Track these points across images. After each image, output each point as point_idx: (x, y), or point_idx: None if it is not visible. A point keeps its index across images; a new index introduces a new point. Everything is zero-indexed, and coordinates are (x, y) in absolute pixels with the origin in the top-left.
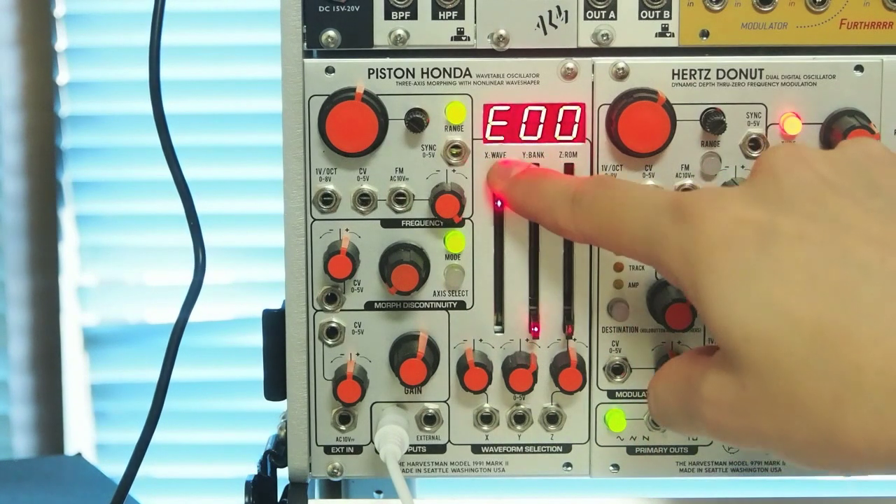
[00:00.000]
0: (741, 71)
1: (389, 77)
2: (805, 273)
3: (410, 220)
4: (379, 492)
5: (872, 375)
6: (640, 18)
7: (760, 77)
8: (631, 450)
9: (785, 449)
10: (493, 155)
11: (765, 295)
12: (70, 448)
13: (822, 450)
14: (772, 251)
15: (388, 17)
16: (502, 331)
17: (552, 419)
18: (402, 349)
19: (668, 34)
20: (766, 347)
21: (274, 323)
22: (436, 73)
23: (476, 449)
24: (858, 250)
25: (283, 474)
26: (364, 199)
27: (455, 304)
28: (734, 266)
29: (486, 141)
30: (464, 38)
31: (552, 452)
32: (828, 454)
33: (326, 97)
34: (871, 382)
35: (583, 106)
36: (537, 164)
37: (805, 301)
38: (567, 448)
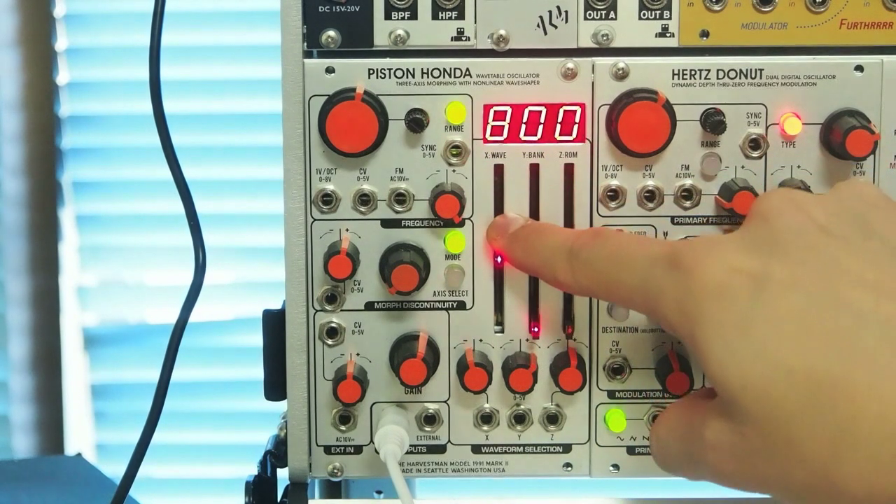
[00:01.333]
0: (741, 71)
1: (389, 77)
2: (798, 321)
3: (410, 220)
4: (379, 492)
5: (868, 423)
6: (640, 18)
7: (760, 77)
8: (631, 450)
9: (786, 494)
10: (493, 155)
11: (760, 345)
12: (70, 448)
13: (822, 496)
14: (765, 299)
15: (388, 17)
16: (502, 331)
17: (552, 419)
18: (402, 349)
19: (668, 34)
20: (762, 398)
21: (274, 323)
22: (436, 73)
23: (476, 449)
24: (852, 295)
25: (283, 474)
26: (364, 200)
27: (455, 305)
28: (729, 316)
29: (486, 141)
30: (464, 39)
31: (552, 453)
32: (828, 500)
33: (326, 97)
34: (867, 430)
35: (583, 106)
36: (538, 161)
37: (799, 350)
38: (567, 448)
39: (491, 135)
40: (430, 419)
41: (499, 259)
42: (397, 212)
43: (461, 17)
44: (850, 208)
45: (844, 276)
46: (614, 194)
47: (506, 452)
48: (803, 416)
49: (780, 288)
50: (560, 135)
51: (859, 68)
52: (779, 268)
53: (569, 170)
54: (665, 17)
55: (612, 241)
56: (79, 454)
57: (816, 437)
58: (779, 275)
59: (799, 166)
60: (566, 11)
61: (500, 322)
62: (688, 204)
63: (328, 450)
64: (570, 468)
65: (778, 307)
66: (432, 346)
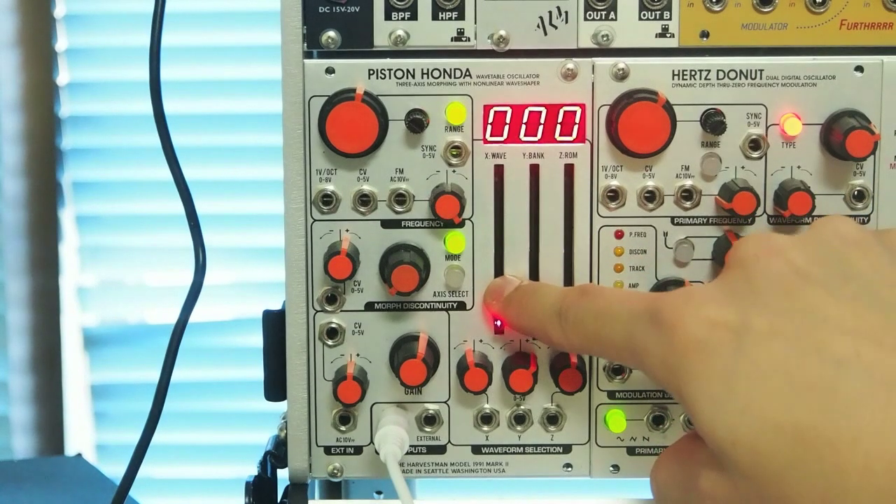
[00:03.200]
0: (741, 71)
1: (389, 78)
2: (781, 374)
3: (410, 220)
4: (379, 492)
5: (856, 477)
6: (640, 19)
7: (760, 78)
8: (631, 450)
9: None
10: (493, 155)
11: (745, 400)
12: (70, 448)
13: None
14: (746, 352)
15: (388, 17)
16: (502, 331)
17: (552, 420)
18: (402, 350)
19: (668, 35)
20: (751, 452)
21: (274, 323)
22: (436, 73)
23: (476, 449)
24: (833, 344)
25: (283, 475)
26: (364, 200)
27: (455, 305)
28: (713, 371)
29: (486, 142)
30: (464, 39)
31: (552, 453)
32: None
33: (326, 98)
34: (856, 484)
35: (583, 106)
36: (538, 161)
37: (783, 405)
38: (567, 449)
39: (491, 135)
40: (430, 420)
41: (498, 323)
42: (397, 212)
43: (461, 17)
44: (828, 249)
45: (824, 323)
46: (614, 195)
47: (506, 453)
48: (793, 471)
49: (760, 339)
50: (560, 135)
51: (859, 69)
52: (758, 318)
53: (569, 170)
54: (665, 17)
55: (598, 299)
56: (79, 455)
57: (807, 492)
58: (758, 325)
59: (799, 167)
60: (566, 12)
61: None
62: (688, 204)
63: (328, 450)
64: (570, 469)
65: (759, 359)
66: (432, 347)
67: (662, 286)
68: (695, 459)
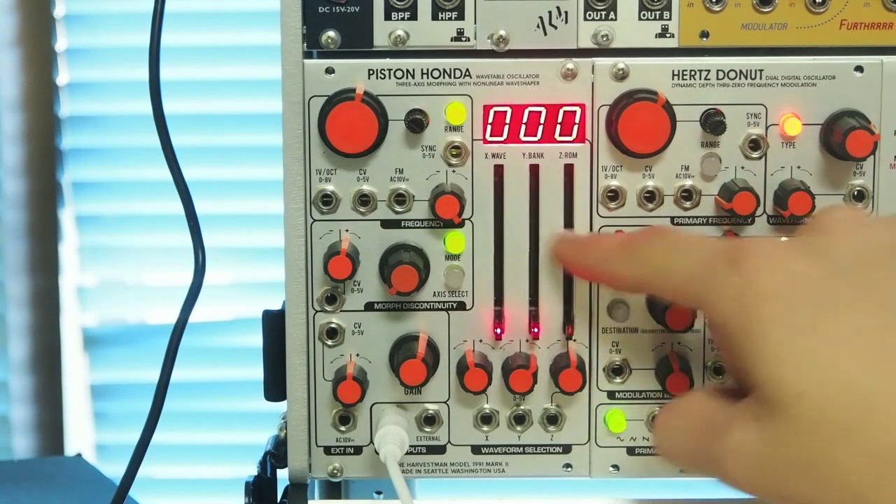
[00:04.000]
0: (741, 72)
1: (389, 78)
2: (862, 339)
3: (410, 220)
4: (379, 492)
5: None
6: (640, 19)
7: (760, 78)
8: (631, 450)
9: None
10: (493, 156)
11: (821, 355)
12: (70, 448)
13: None
14: (829, 311)
15: (388, 17)
16: (502, 331)
17: (552, 420)
18: (402, 350)
19: (668, 35)
20: (815, 408)
21: (274, 323)
22: (436, 73)
23: (476, 450)
24: None
25: (283, 475)
26: (364, 200)
27: (455, 305)
28: (790, 321)
29: (485, 142)
30: (464, 39)
31: (552, 453)
32: None
33: (326, 98)
34: None
35: (583, 106)
36: (538, 161)
37: (860, 367)
38: (567, 449)
39: (491, 135)
40: (430, 420)
41: (498, 330)
42: (397, 212)
43: (461, 17)
44: None
45: None
46: (614, 195)
47: (506, 453)
48: (852, 435)
49: (845, 304)
50: (560, 135)
51: (859, 69)
52: (843, 284)
53: (569, 170)
54: (665, 17)
55: (671, 234)
56: (79, 455)
57: (861, 459)
58: (843, 291)
59: (799, 167)
60: (566, 12)
61: (499, 323)
62: (688, 204)
63: (328, 450)
64: (570, 469)
65: (842, 321)
66: (432, 347)
67: None
68: (721, 412)
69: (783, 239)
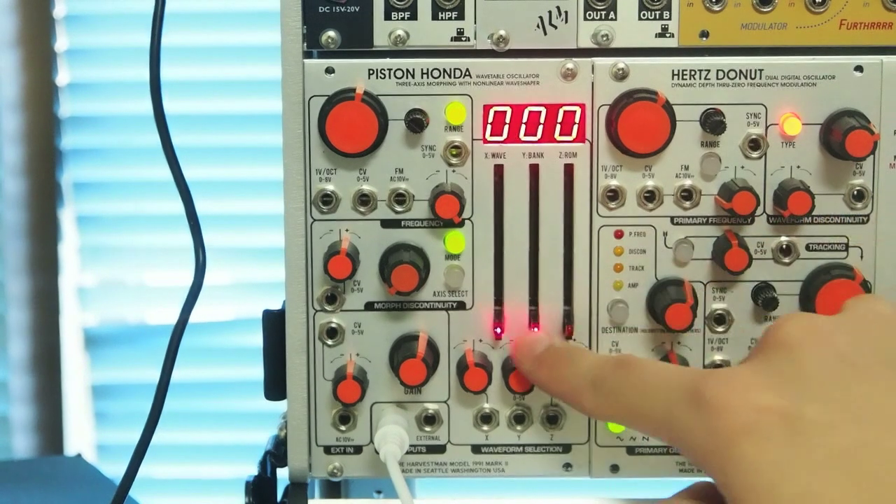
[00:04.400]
0: (741, 71)
1: (389, 77)
2: (840, 465)
3: (410, 220)
4: (379, 492)
5: None
6: (639, 19)
7: (760, 77)
8: (631, 450)
9: None
10: (493, 155)
11: (802, 488)
12: (70, 448)
13: None
14: (803, 441)
15: (388, 17)
16: (502, 331)
17: (552, 420)
18: (401, 349)
19: (667, 34)
20: None
21: (274, 323)
22: (436, 73)
23: (476, 449)
24: (888, 438)
25: (283, 474)
26: (364, 200)
27: (455, 305)
28: (764, 458)
29: (485, 141)
30: (464, 39)
31: (552, 453)
32: None
33: (326, 98)
34: None
35: (583, 106)
36: (538, 161)
37: (842, 495)
38: (567, 448)
39: (491, 135)
40: (430, 419)
41: (497, 330)
42: (397, 212)
43: (461, 17)
44: (870, 334)
45: (877, 415)
46: (614, 194)
47: (506, 452)
48: None
49: (817, 429)
50: (560, 135)
51: (859, 68)
52: (811, 407)
53: (569, 170)
54: (665, 17)
55: (636, 372)
56: (79, 454)
57: None
58: (812, 415)
59: (799, 166)
60: (566, 12)
61: (499, 322)
62: (687, 204)
63: (328, 450)
64: (569, 468)
65: (817, 449)
66: (432, 347)
67: (662, 286)
68: None
69: (741, 365)
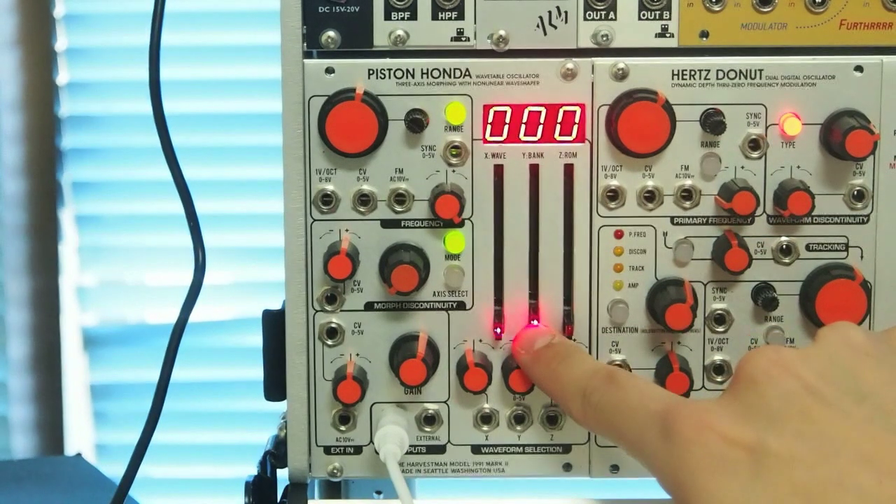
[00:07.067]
0: (741, 71)
1: (389, 77)
2: (805, 500)
3: (410, 220)
4: (379, 492)
5: None
6: (639, 19)
7: (760, 77)
8: None
9: None
10: (493, 155)
11: None
12: (70, 448)
13: None
14: (765, 476)
15: (387, 17)
16: (502, 331)
17: (552, 420)
18: (401, 349)
19: (667, 35)
20: None
21: (274, 323)
22: (435, 73)
23: (476, 449)
24: (853, 473)
25: (282, 475)
26: (364, 200)
27: (455, 305)
28: (727, 492)
29: (485, 141)
30: (463, 39)
31: (552, 453)
32: None
33: (326, 98)
34: None
35: (582, 106)
36: (538, 161)
37: None
38: (567, 449)
39: (491, 135)
40: (430, 419)
41: (497, 330)
42: (397, 212)
43: (461, 17)
44: (839, 364)
45: (843, 450)
46: (614, 194)
47: (505, 453)
48: None
49: (779, 463)
50: (560, 135)
51: (859, 68)
52: (775, 441)
53: (568, 170)
54: (665, 17)
55: (620, 391)
56: (79, 454)
57: None
58: (776, 448)
59: (799, 166)
60: (566, 12)
61: (499, 322)
62: (687, 204)
63: (328, 450)
64: (569, 469)
65: (779, 484)
66: (432, 347)
67: (662, 286)
68: None
69: (713, 399)
